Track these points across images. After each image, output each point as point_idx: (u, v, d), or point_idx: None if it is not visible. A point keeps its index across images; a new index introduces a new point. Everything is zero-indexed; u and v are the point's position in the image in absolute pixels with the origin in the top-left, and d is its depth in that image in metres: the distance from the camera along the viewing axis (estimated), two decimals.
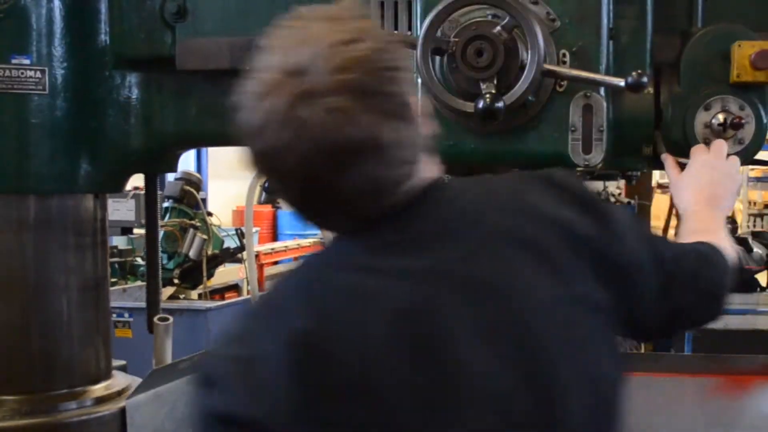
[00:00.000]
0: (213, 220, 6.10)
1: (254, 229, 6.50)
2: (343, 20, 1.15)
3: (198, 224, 5.70)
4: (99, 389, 2.21)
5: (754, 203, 11.50)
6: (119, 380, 2.30)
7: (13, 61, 2.02)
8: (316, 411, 1.10)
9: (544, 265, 1.19)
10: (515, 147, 1.89)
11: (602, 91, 1.86)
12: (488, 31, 1.77)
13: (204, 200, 6.39)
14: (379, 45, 1.14)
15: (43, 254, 2.12)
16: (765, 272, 6.77)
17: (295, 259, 8.47)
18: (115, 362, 2.38)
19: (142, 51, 2.15)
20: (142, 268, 5.70)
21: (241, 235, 5.91)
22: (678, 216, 1.84)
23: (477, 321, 1.14)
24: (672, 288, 1.34)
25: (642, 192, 7.82)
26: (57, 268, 2.14)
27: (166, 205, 5.70)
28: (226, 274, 6.43)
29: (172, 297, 5.47)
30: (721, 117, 1.89)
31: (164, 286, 5.13)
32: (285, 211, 11.26)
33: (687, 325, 1.59)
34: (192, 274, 5.61)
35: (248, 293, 6.02)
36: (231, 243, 6.09)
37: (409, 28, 2.00)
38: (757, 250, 6.50)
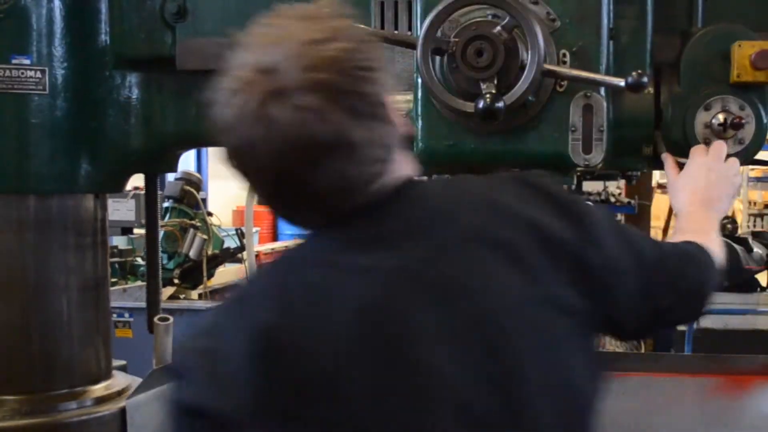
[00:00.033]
0: (213, 220, 6.11)
1: (254, 229, 6.49)
2: (319, 19, 1.16)
3: (198, 224, 5.70)
4: (99, 389, 2.21)
5: (754, 203, 11.51)
6: (119, 380, 2.30)
7: (14, 61, 2.02)
8: (277, 404, 1.11)
9: (516, 266, 1.18)
10: (515, 147, 1.88)
11: (602, 91, 1.86)
12: (488, 31, 1.77)
13: (204, 200, 6.39)
14: (353, 45, 1.15)
15: (43, 254, 2.12)
16: (765, 272, 6.78)
17: None
18: (115, 362, 2.38)
19: (143, 51, 2.16)
20: (142, 268, 5.69)
21: (241, 235, 5.91)
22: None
23: (443, 320, 1.14)
24: (653, 289, 1.33)
25: (642, 192, 7.84)
26: (57, 268, 2.14)
27: (166, 205, 5.70)
28: (226, 274, 6.43)
29: (173, 297, 5.47)
30: (721, 117, 1.89)
31: (164, 286, 5.13)
32: None
33: (669, 324, 1.58)
34: (192, 274, 5.62)
35: None
36: (231, 243, 6.09)
37: (409, 28, 2.00)
38: (757, 250, 6.49)
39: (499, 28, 1.76)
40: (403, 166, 1.24)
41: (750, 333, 5.89)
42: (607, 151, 1.88)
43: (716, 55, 1.90)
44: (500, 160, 1.92)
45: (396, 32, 2.01)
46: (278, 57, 1.12)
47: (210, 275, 5.80)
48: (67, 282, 2.15)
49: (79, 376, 2.17)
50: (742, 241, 6.49)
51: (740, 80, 1.87)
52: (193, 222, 5.67)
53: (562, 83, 1.85)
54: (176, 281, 5.55)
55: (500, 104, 1.74)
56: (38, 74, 2.04)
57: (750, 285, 6.40)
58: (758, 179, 10.97)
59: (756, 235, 7.56)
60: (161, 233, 4.40)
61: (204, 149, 10.34)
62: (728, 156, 1.86)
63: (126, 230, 5.72)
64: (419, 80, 1.86)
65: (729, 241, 6.33)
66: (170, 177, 5.80)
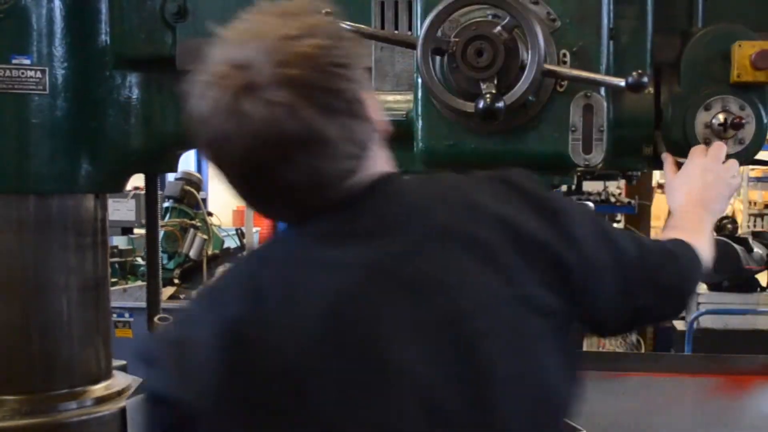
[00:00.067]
0: (213, 220, 6.11)
1: (254, 229, 6.49)
2: (297, 16, 1.16)
3: (198, 224, 5.71)
4: (99, 389, 2.21)
5: (754, 203, 11.52)
6: (119, 380, 2.30)
7: (14, 61, 2.03)
8: (241, 396, 1.12)
9: (491, 265, 1.17)
10: (515, 147, 1.88)
11: (602, 91, 1.86)
12: (488, 31, 1.77)
13: (204, 200, 6.39)
14: (329, 41, 1.15)
15: (43, 254, 2.12)
16: (765, 272, 6.78)
17: None
18: (116, 362, 2.38)
19: (143, 51, 2.16)
20: (142, 268, 5.69)
21: (241, 235, 5.91)
22: None
23: (416, 317, 1.13)
24: (633, 287, 1.32)
25: (642, 192, 7.84)
26: (57, 268, 2.14)
27: (166, 205, 5.71)
28: None
29: (173, 297, 5.47)
30: (721, 117, 1.89)
31: (164, 286, 5.13)
32: None
33: (650, 321, 1.58)
34: (192, 274, 5.62)
35: None
36: (231, 243, 6.09)
37: (409, 28, 2.00)
38: (757, 250, 6.49)
39: (499, 28, 1.76)
40: (380, 163, 1.23)
41: (750, 333, 5.90)
42: (607, 151, 1.88)
43: (716, 55, 1.90)
44: (500, 160, 1.92)
45: (396, 32, 2.01)
46: (252, 52, 1.12)
47: (210, 275, 5.80)
48: (67, 282, 2.16)
49: (79, 376, 2.18)
50: (742, 241, 6.49)
51: (740, 80, 1.87)
52: (193, 222, 5.68)
53: (563, 83, 1.85)
54: (176, 281, 5.56)
55: (500, 104, 1.74)
56: (38, 74, 2.04)
57: (750, 285, 6.40)
58: (758, 179, 10.98)
59: (756, 235, 7.56)
60: (161, 233, 4.40)
61: None
62: (729, 156, 1.86)
63: (126, 230, 5.73)
64: (419, 80, 1.86)
65: (729, 241, 6.33)
66: (170, 177, 5.80)
